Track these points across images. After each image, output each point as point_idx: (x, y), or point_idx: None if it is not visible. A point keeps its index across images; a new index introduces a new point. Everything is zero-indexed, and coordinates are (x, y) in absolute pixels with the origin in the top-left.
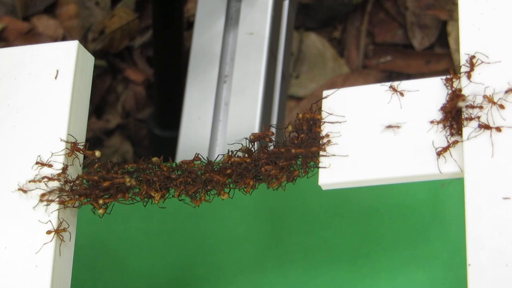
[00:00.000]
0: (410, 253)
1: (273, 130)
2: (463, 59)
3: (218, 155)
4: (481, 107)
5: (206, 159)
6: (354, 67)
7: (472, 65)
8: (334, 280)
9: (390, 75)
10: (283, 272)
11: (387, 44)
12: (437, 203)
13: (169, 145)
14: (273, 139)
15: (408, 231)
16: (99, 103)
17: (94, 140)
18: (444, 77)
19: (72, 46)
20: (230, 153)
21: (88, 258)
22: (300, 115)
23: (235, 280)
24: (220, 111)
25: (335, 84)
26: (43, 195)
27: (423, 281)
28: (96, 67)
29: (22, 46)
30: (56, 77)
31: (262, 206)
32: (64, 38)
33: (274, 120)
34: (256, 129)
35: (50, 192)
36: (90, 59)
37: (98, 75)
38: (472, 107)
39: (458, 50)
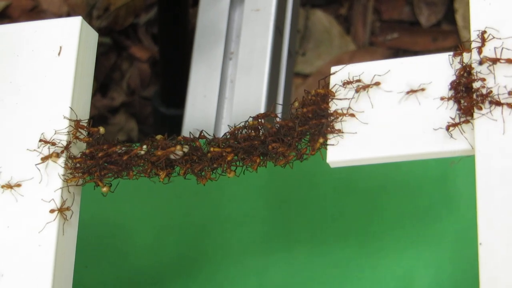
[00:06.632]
0: (417, 231)
1: (279, 108)
2: (473, 34)
3: (225, 133)
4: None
5: (212, 136)
6: (360, 44)
7: (483, 40)
8: (341, 258)
9: (397, 52)
10: (289, 251)
11: (393, 21)
12: (445, 181)
13: (175, 123)
14: (279, 116)
15: (416, 210)
16: (103, 81)
17: (98, 118)
18: (452, 52)
19: (75, 22)
20: (236, 130)
21: (93, 236)
22: (313, 91)
23: (241, 259)
24: (226, 88)
25: (341, 61)
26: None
27: (431, 259)
28: (100, 44)
29: (25, 22)
30: (59, 54)
31: (268, 184)
32: (68, 15)
33: (280, 98)
34: (262, 106)
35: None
36: (94, 36)
37: (103, 52)
38: (483, 81)
39: (465, 27)
